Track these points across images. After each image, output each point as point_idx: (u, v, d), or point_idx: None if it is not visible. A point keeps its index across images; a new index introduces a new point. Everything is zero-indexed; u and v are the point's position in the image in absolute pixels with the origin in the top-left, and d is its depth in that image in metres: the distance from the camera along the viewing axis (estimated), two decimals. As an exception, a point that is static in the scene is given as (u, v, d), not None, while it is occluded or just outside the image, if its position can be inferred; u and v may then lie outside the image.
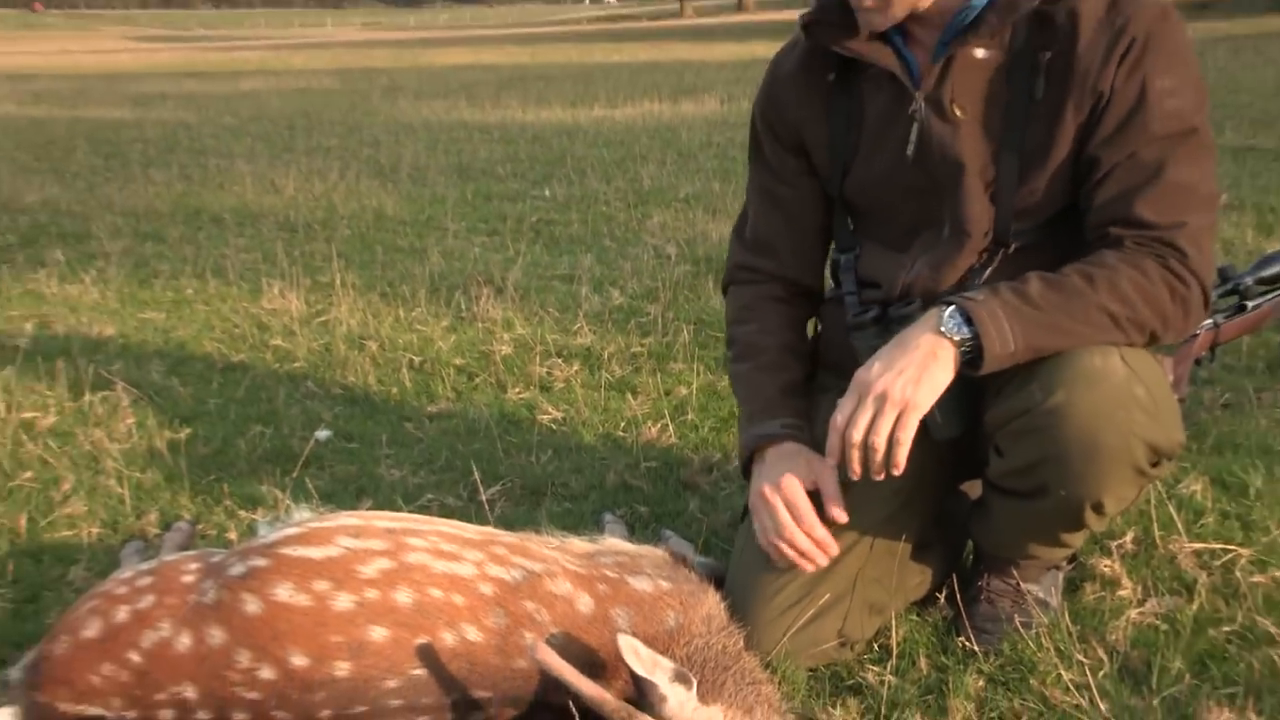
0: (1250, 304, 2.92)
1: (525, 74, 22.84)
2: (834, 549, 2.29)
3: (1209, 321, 2.85)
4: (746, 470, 2.49)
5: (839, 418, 2.15)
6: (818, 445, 2.32)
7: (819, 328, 2.76)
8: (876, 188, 2.43)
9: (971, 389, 2.23)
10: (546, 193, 8.42)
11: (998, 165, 2.26)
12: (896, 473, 2.11)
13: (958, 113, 2.26)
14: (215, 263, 6.54)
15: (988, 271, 2.30)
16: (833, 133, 2.47)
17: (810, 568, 2.30)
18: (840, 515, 2.27)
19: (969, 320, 2.05)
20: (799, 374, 2.57)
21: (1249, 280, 2.91)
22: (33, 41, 74.86)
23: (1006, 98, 2.24)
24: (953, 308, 2.08)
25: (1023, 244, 2.29)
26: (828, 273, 2.72)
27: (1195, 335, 2.82)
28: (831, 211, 2.60)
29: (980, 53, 2.23)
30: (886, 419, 2.07)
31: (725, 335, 2.74)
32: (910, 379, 2.06)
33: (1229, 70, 13.49)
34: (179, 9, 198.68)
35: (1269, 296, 2.95)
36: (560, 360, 4.46)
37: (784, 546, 2.28)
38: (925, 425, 2.20)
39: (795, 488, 2.30)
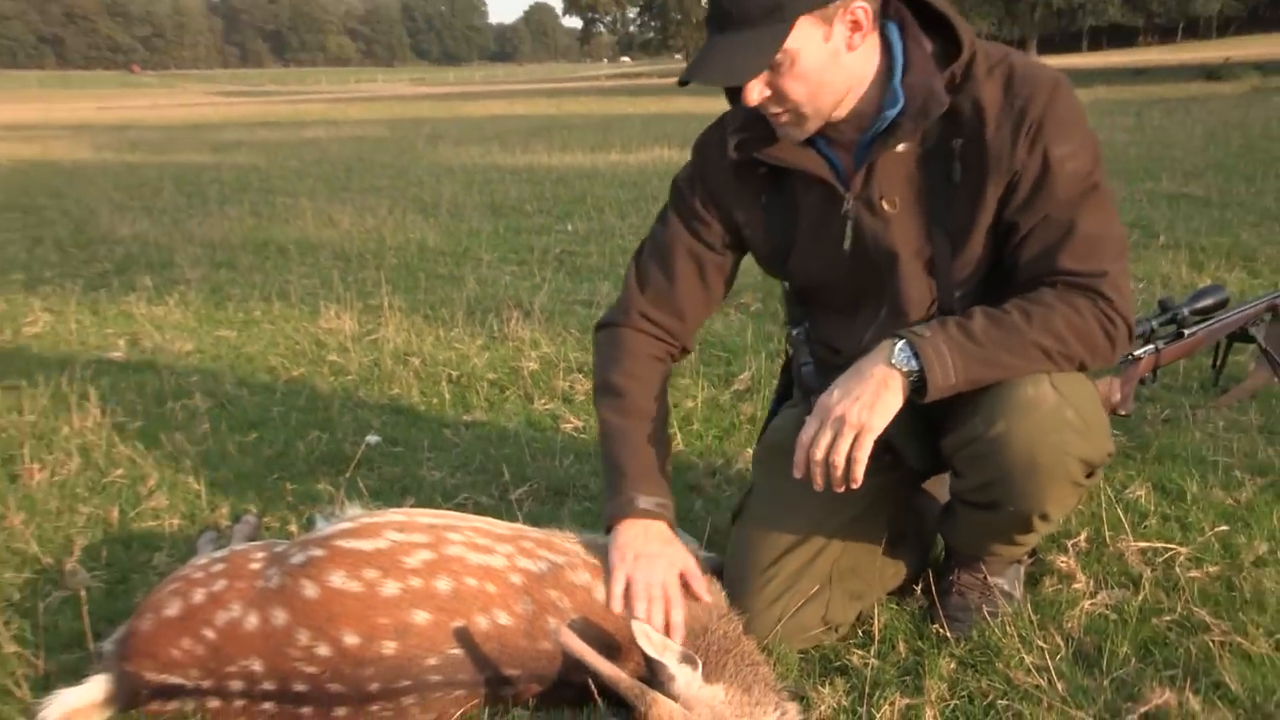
0: (1187, 332, 2.97)
1: (551, 123, 22.89)
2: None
3: (1150, 347, 2.89)
4: (610, 525, 2.39)
5: (804, 437, 2.15)
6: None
7: (791, 349, 2.69)
8: (819, 275, 2.40)
9: (933, 420, 2.27)
10: (569, 228, 8.43)
11: (931, 244, 2.25)
12: (855, 486, 2.11)
13: (886, 207, 2.24)
14: (280, 288, 6.55)
15: None
16: (769, 226, 2.42)
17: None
18: (702, 596, 2.27)
19: (916, 354, 2.06)
20: (669, 448, 2.52)
21: (1186, 311, 2.95)
22: (130, 98, 75.46)
23: (927, 184, 2.22)
24: (903, 342, 2.09)
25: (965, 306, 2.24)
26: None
27: (1140, 358, 2.85)
28: (723, 283, 2.56)
29: (900, 147, 2.19)
30: (845, 440, 2.08)
31: (599, 375, 2.56)
32: (865, 405, 2.07)
33: (1164, 128, 13.51)
34: (253, 68, 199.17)
35: (1202, 325, 2.99)
36: (581, 375, 4.45)
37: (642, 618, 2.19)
38: (889, 444, 2.24)
39: (673, 586, 2.26)
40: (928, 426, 2.31)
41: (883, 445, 2.14)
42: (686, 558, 2.32)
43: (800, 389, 2.60)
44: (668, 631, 2.15)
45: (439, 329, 5.35)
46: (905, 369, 2.07)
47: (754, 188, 2.39)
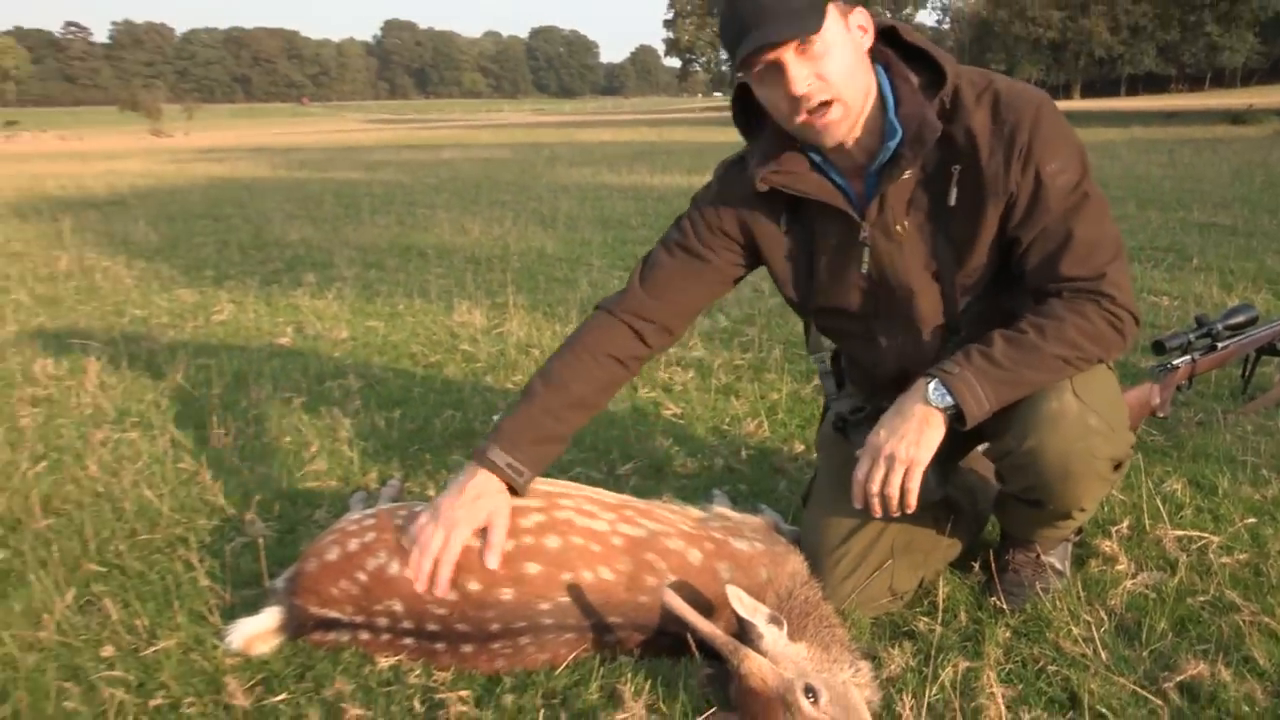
0: (1220, 345, 2.95)
1: (652, 149, 22.88)
2: (441, 591, 2.16)
3: (1188, 357, 2.87)
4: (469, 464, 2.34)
5: (859, 475, 2.13)
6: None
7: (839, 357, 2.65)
8: (842, 300, 2.32)
9: (951, 450, 2.21)
10: (669, 240, 8.35)
11: (937, 259, 2.19)
12: (909, 511, 2.10)
13: (900, 230, 2.18)
14: (420, 286, 6.61)
15: (948, 351, 2.19)
16: (790, 252, 2.34)
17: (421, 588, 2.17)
18: (492, 563, 2.16)
19: (950, 390, 2.03)
20: (568, 429, 2.39)
21: (1219, 326, 2.93)
22: (299, 125, 77.21)
23: (929, 204, 2.16)
24: (935, 380, 2.06)
25: (967, 333, 2.21)
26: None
27: (1178, 367, 2.82)
28: (718, 295, 2.50)
29: (905, 175, 2.11)
30: (897, 474, 2.07)
31: (560, 348, 2.44)
32: (911, 441, 2.06)
33: (1193, 165, 13.16)
34: (400, 100, 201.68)
35: (1234, 340, 2.97)
36: (679, 368, 4.44)
37: (415, 559, 2.18)
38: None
39: (458, 536, 2.18)
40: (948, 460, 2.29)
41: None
42: (496, 515, 2.21)
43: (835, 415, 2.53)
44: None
45: (556, 324, 5.37)
46: (942, 405, 2.05)
47: (774, 214, 2.32)
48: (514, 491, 2.28)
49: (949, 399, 2.04)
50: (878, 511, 2.12)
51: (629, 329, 2.40)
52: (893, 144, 2.09)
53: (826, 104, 2.01)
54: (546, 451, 2.35)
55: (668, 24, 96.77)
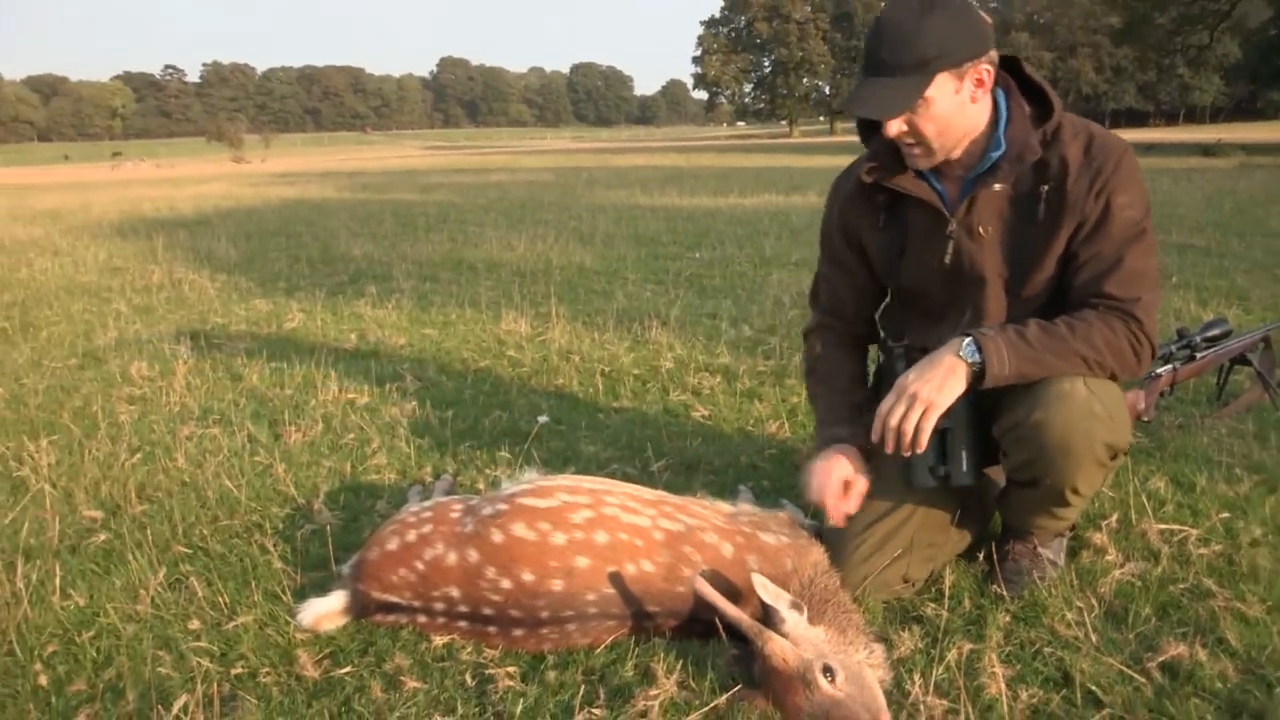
0: (1199, 355, 2.94)
1: (681, 173, 22.85)
2: (841, 520, 2.34)
3: (1169, 366, 2.87)
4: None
5: (883, 408, 2.17)
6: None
7: (873, 381, 2.70)
8: (919, 283, 2.39)
9: (987, 415, 2.26)
10: (697, 255, 8.36)
11: (1010, 268, 2.25)
12: (919, 451, 2.14)
13: (982, 232, 2.24)
14: (471, 297, 6.62)
15: None
16: (885, 242, 2.42)
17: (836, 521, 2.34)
18: (857, 503, 2.33)
19: (980, 349, 2.08)
20: (860, 396, 2.52)
21: (1198, 338, 2.93)
22: (363, 152, 78.21)
23: (1014, 219, 2.22)
24: (970, 339, 2.10)
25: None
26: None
27: (1161, 375, 2.82)
28: (874, 287, 2.56)
29: (996, 186, 2.20)
30: (915, 412, 2.11)
31: (805, 366, 2.66)
32: (935, 385, 2.10)
33: (1170, 192, 13.04)
34: (453, 128, 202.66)
35: (1211, 350, 2.96)
36: (707, 374, 4.41)
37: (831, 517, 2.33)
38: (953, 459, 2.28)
39: (842, 472, 2.35)
40: (982, 426, 2.28)
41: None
42: (855, 473, 2.35)
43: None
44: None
45: (594, 333, 5.35)
46: (970, 360, 2.09)
47: (874, 212, 2.41)
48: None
49: (977, 356, 2.08)
50: (890, 447, 2.16)
51: (830, 333, 2.63)
52: (995, 155, 2.18)
53: (912, 144, 2.18)
54: (860, 415, 2.44)
55: (696, 60, 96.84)
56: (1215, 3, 38.04)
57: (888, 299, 2.62)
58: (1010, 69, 2.24)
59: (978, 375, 2.09)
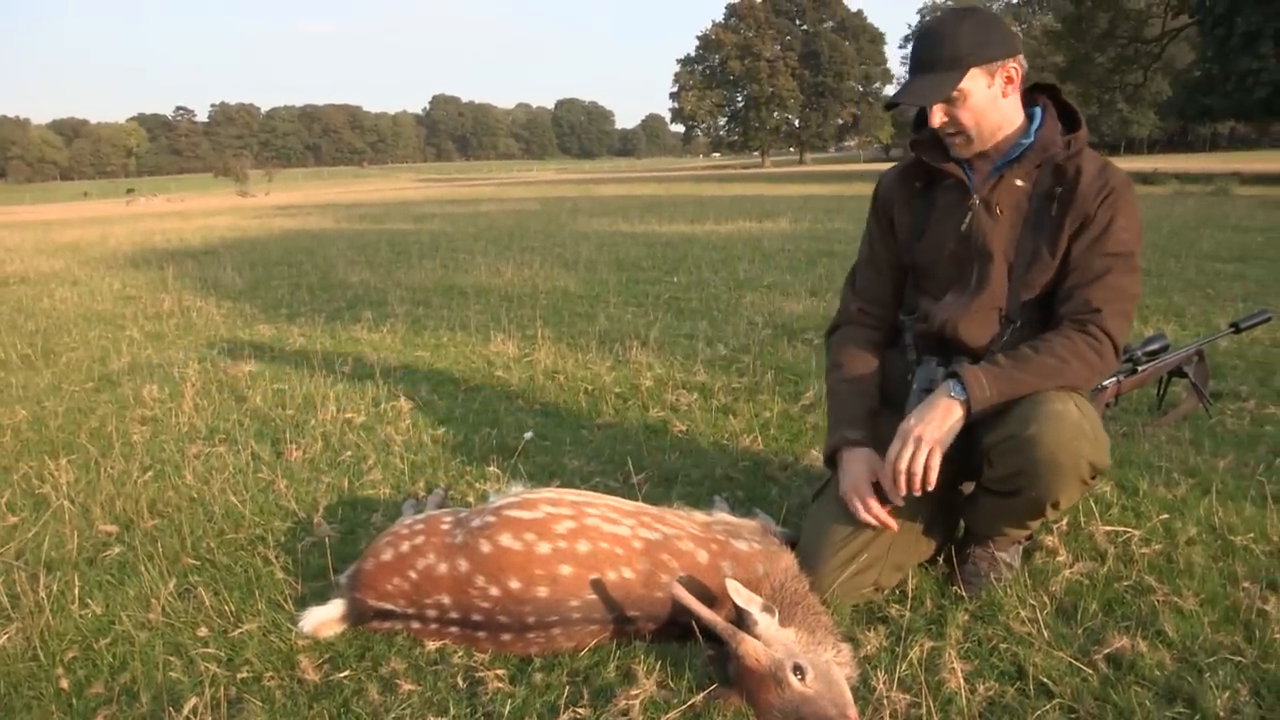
0: (1140, 368, 2.95)
1: (660, 202, 22.88)
2: (891, 524, 2.31)
3: (1114, 379, 2.87)
4: (830, 459, 2.49)
5: (891, 454, 2.21)
6: (880, 447, 2.33)
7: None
8: (935, 250, 2.45)
9: (958, 446, 2.27)
10: (674, 279, 8.37)
11: (1017, 254, 2.32)
12: (930, 488, 2.17)
13: (999, 212, 2.33)
14: (461, 320, 6.61)
15: (1005, 339, 2.33)
16: (913, 217, 2.51)
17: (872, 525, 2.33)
18: (897, 500, 2.28)
19: (963, 384, 2.16)
20: (876, 401, 2.53)
21: (1139, 353, 2.94)
22: (360, 184, 77.88)
23: (1030, 212, 2.31)
24: (954, 379, 2.19)
25: (1022, 322, 2.33)
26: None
27: (1107, 388, 2.82)
28: (901, 269, 2.61)
29: (1018, 181, 2.32)
30: (922, 453, 2.15)
31: (830, 359, 2.65)
32: (936, 426, 2.16)
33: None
34: (445, 161, 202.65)
35: (1151, 364, 2.97)
36: (685, 391, 4.42)
37: (861, 514, 2.32)
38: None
39: (866, 483, 2.34)
40: (964, 444, 2.30)
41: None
42: (876, 461, 2.35)
43: (889, 385, 2.62)
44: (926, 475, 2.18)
45: (578, 354, 5.35)
46: (960, 397, 2.16)
47: (909, 192, 2.52)
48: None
49: (963, 391, 2.16)
50: (903, 489, 2.19)
51: (860, 325, 2.64)
52: (1026, 141, 2.32)
53: (953, 134, 2.31)
54: (873, 420, 2.48)
55: (673, 96, 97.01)
56: (1147, 45, 38.83)
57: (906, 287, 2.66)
58: (1050, 94, 2.40)
59: (968, 407, 2.16)
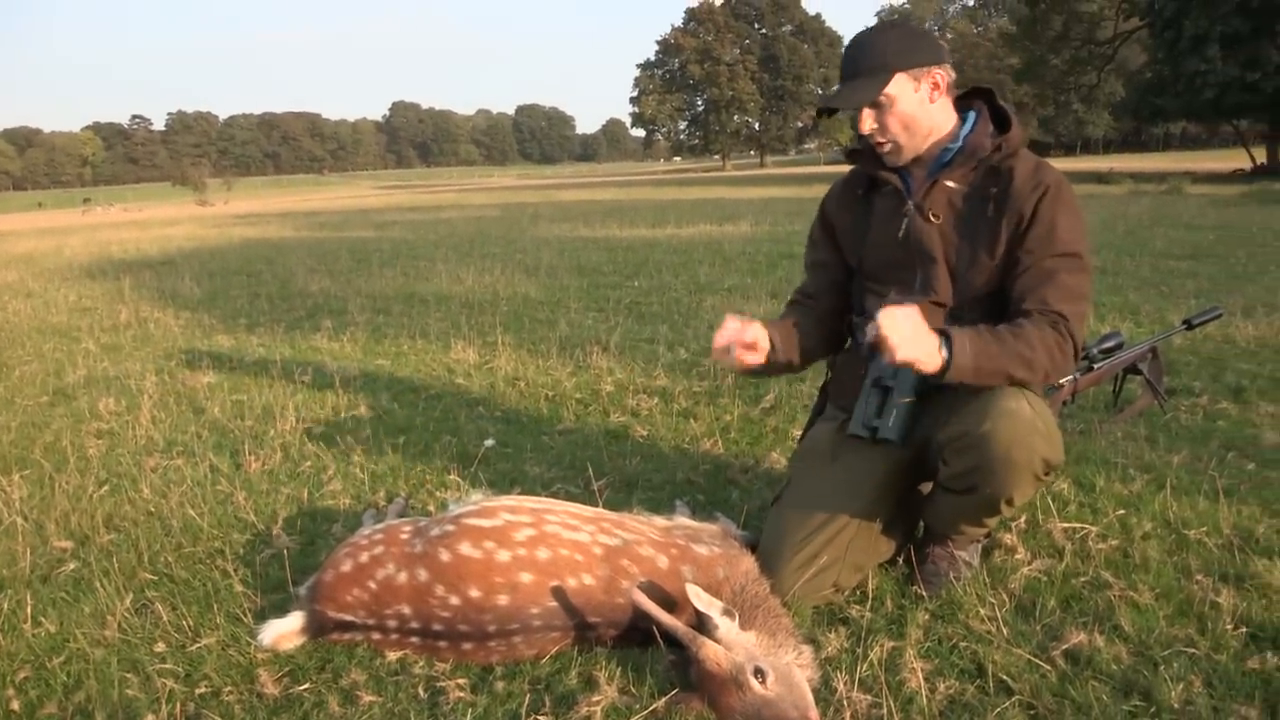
0: (1096, 366, 2.97)
1: (622, 206, 22.89)
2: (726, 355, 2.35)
3: (1070, 377, 2.88)
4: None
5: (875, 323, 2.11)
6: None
7: (831, 373, 2.74)
8: (878, 255, 2.49)
9: (915, 419, 2.33)
10: (636, 283, 8.37)
11: (956, 255, 2.35)
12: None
13: (934, 217, 2.36)
14: (422, 328, 6.56)
15: None
16: (855, 226, 2.55)
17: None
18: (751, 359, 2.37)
19: (949, 343, 2.09)
20: (803, 339, 2.54)
21: (1095, 350, 2.96)
22: (320, 192, 77.56)
23: (966, 213, 2.34)
24: (945, 337, 2.12)
25: (969, 320, 2.31)
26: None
27: (1062, 386, 2.84)
28: (846, 282, 2.64)
29: (951, 184, 2.36)
30: (885, 354, 2.08)
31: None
32: (912, 346, 2.04)
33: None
34: (406, 169, 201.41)
35: (1107, 361, 2.99)
36: (645, 396, 4.41)
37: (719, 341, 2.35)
38: (885, 445, 2.35)
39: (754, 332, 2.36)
40: (921, 401, 2.36)
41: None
42: (758, 330, 2.37)
43: (839, 387, 2.66)
44: None
45: (539, 360, 5.33)
46: (945, 355, 2.09)
47: (851, 200, 2.58)
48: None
49: (948, 354, 2.08)
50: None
51: (798, 304, 2.69)
52: (953, 147, 2.36)
53: (882, 141, 2.35)
54: (789, 340, 2.50)
55: (633, 100, 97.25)
56: (1100, 47, 39.48)
57: (854, 290, 2.67)
58: (987, 98, 2.44)
59: (943, 369, 2.08)
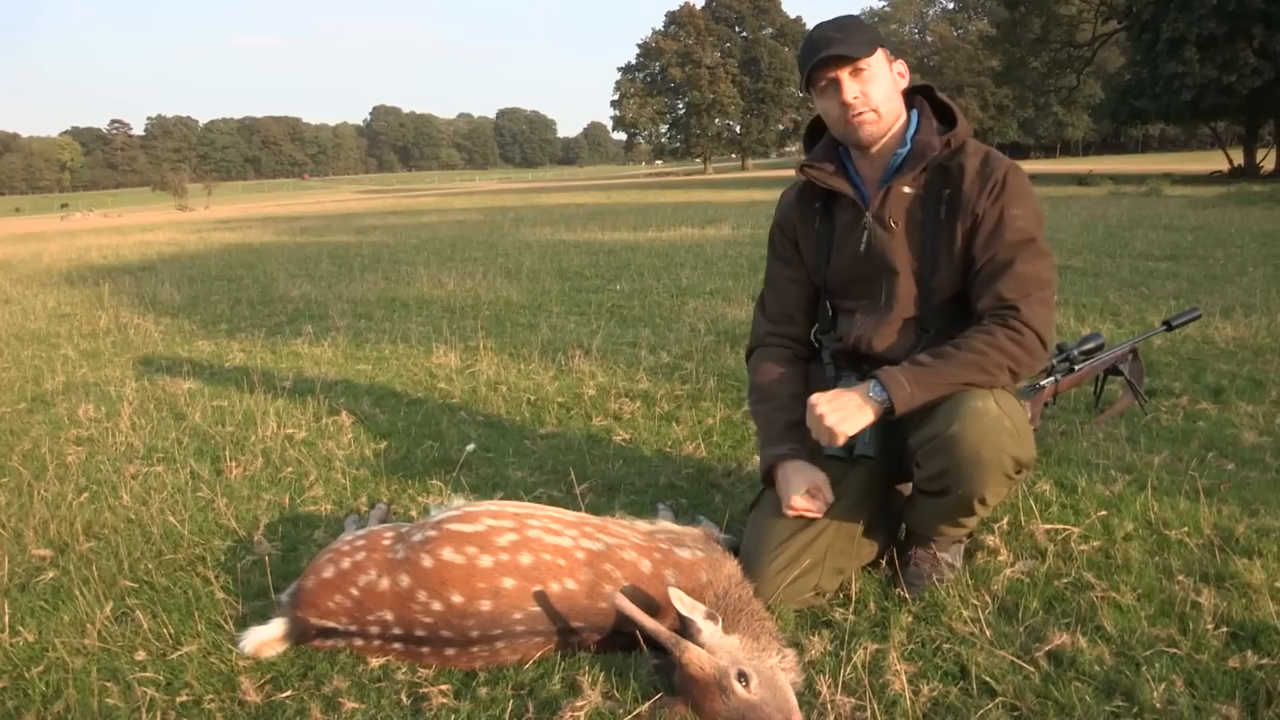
0: (1077, 367, 2.97)
1: (603, 210, 22.89)
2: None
3: (1052, 379, 2.89)
4: (767, 477, 2.50)
5: (813, 401, 2.25)
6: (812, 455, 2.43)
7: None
8: (842, 272, 2.50)
9: (890, 426, 2.32)
10: (617, 287, 8.37)
11: (919, 261, 2.37)
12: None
13: (893, 225, 2.38)
14: (403, 333, 6.54)
15: (921, 348, 2.35)
16: (817, 242, 2.55)
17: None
18: (828, 500, 2.37)
19: (884, 387, 2.18)
20: (799, 414, 2.49)
21: (1076, 352, 2.96)
22: (301, 197, 77.03)
23: (921, 217, 2.36)
24: (874, 380, 2.21)
25: (936, 330, 2.37)
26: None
27: (1043, 387, 2.85)
28: (811, 287, 2.64)
29: (906, 189, 2.38)
30: (824, 434, 2.23)
31: (749, 383, 2.68)
32: (842, 417, 2.20)
33: (1051, 218, 13.37)
34: (387, 173, 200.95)
35: (1088, 363, 2.99)
36: (627, 399, 4.42)
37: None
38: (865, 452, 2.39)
39: (807, 479, 2.40)
40: (887, 432, 2.37)
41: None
42: (816, 474, 2.41)
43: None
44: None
45: (521, 364, 5.32)
46: (878, 399, 2.19)
47: (810, 214, 2.57)
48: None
49: (884, 394, 2.18)
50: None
51: (774, 346, 2.67)
52: (902, 152, 2.38)
53: (863, 110, 2.31)
54: (800, 431, 2.43)
55: (614, 104, 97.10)
56: (1079, 49, 39.84)
57: (820, 308, 2.68)
58: (925, 94, 2.46)
59: (887, 410, 2.18)
